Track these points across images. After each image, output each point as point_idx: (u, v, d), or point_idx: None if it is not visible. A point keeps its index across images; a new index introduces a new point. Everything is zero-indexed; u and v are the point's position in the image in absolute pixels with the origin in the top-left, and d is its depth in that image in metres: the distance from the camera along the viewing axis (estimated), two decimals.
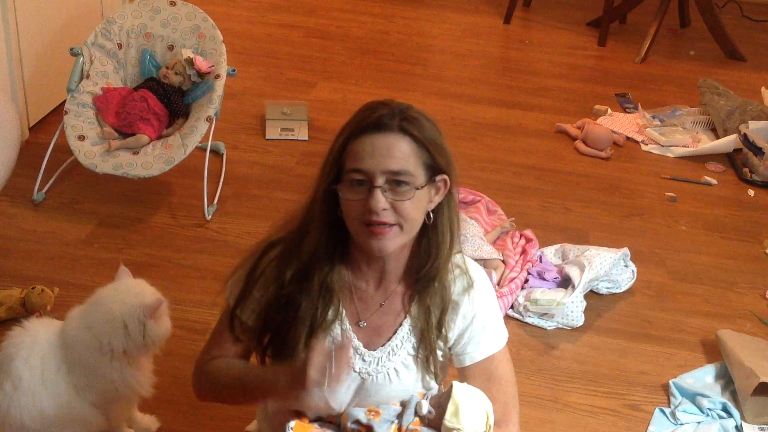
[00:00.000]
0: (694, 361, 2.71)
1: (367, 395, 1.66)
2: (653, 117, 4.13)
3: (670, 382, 2.58)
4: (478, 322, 1.69)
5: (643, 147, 3.97)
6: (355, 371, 1.65)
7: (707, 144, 3.97)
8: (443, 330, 1.66)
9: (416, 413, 1.64)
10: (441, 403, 1.63)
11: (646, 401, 2.54)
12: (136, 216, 3.17)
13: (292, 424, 1.59)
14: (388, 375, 1.66)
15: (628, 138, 4.02)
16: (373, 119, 1.54)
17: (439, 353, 1.69)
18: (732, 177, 3.80)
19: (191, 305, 2.71)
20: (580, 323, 2.78)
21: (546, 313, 2.79)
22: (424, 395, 1.68)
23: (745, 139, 3.83)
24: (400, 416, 1.64)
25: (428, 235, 1.62)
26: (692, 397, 2.52)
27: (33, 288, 2.61)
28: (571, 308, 2.76)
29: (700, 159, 3.90)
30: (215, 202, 3.26)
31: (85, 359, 1.96)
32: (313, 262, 1.60)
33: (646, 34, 4.92)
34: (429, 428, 1.63)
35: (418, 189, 1.54)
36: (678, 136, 3.97)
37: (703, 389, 2.55)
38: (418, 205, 1.56)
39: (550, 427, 2.43)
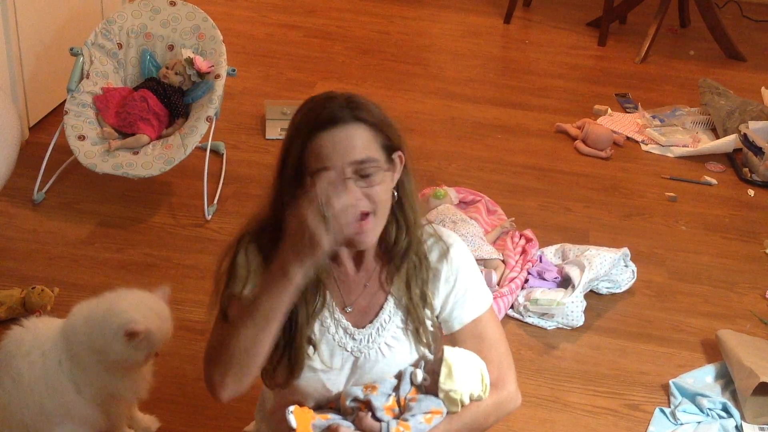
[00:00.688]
0: (694, 361, 2.71)
1: (362, 373, 1.67)
2: (653, 117, 4.13)
3: (670, 382, 2.58)
4: (461, 284, 1.71)
5: (643, 147, 3.97)
6: (347, 351, 1.66)
7: (707, 144, 3.97)
8: (428, 300, 1.68)
9: (412, 383, 1.66)
10: (434, 368, 1.65)
11: (646, 401, 2.54)
12: (136, 216, 3.17)
13: (292, 408, 1.60)
14: (380, 350, 1.67)
15: (628, 138, 4.02)
16: (326, 115, 1.55)
17: (428, 323, 1.70)
18: (732, 177, 3.80)
19: (191, 305, 2.71)
20: (580, 323, 2.78)
21: (546, 313, 2.79)
22: (417, 365, 1.69)
23: (745, 139, 3.83)
24: (396, 388, 1.65)
25: (395, 212, 1.64)
26: (692, 397, 2.52)
27: (33, 288, 2.61)
28: (571, 308, 2.76)
29: (700, 159, 3.90)
30: (215, 202, 3.26)
31: (82, 356, 1.96)
32: None
33: (646, 34, 4.92)
34: (426, 395, 1.64)
35: (384, 171, 1.57)
36: (678, 136, 3.97)
37: (703, 389, 2.55)
38: (386, 188, 1.58)
39: (550, 427, 2.43)
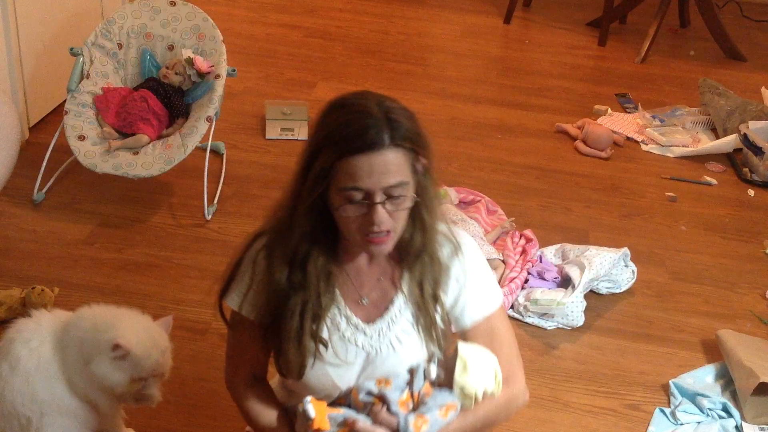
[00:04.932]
0: (694, 361, 2.71)
1: (373, 368, 1.67)
2: (653, 117, 4.13)
3: (670, 382, 2.58)
4: (472, 282, 1.71)
5: (643, 147, 3.97)
6: (357, 347, 1.66)
7: (707, 144, 3.97)
8: (438, 297, 1.69)
9: (425, 378, 1.66)
10: (448, 364, 1.65)
11: (646, 401, 2.54)
12: (136, 216, 3.17)
13: (309, 398, 1.60)
14: (392, 345, 1.67)
15: (628, 138, 4.02)
16: (366, 139, 1.51)
17: (439, 320, 1.70)
18: (732, 177, 3.80)
19: (191, 305, 2.71)
20: (580, 323, 2.78)
21: (546, 313, 2.79)
22: (430, 361, 1.69)
23: (745, 139, 3.83)
24: (410, 383, 1.65)
25: (414, 213, 1.63)
26: (692, 397, 2.52)
27: (33, 288, 2.61)
28: (571, 308, 2.76)
29: (700, 159, 3.90)
30: (215, 202, 3.26)
31: (75, 358, 1.96)
32: (306, 252, 1.62)
33: (646, 34, 4.92)
34: (440, 389, 1.65)
35: (413, 195, 1.57)
36: (678, 136, 3.97)
37: (703, 389, 2.55)
38: (410, 205, 1.59)
39: (550, 427, 2.43)
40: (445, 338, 1.72)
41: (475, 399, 1.64)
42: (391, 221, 1.56)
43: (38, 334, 1.97)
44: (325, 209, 1.60)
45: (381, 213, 1.53)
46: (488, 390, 1.64)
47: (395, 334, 1.68)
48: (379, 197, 1.53)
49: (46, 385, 1.95)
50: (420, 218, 1.64)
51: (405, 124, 1.55)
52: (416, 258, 1.66)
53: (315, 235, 1.62)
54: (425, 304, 1.67)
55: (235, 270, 1.69)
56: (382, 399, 1.62)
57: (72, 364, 1.96)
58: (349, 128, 1.53)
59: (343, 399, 1.66)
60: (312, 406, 1.58)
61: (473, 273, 1.72)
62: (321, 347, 1.64)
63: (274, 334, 1.65)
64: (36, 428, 1.95)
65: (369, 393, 1.63)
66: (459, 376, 1.62)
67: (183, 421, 2.32)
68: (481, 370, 1.64)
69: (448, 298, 1.71)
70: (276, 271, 1.62)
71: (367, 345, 1.67)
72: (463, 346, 1.65)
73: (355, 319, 1.67)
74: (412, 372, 1.66)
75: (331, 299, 1.65)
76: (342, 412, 1.61)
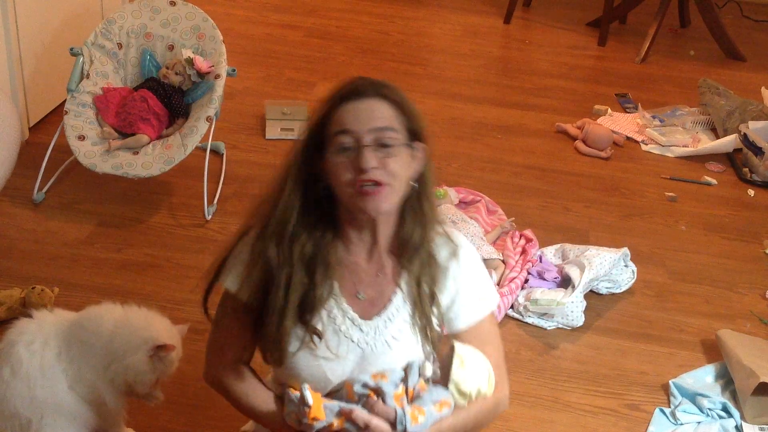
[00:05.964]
0: (694, 361, 2.71)
1: (368, 365, 1.67)
2: (653, 117, 4.13)
3: (670, 382, 2.58)
4: (469, 284, 1.72)
5: (643, 147, 3.97)
6: (353, 342, 1.66)
7: (707, 144, 3.97)
8: (435, 298, 1.69)
9: (420, 375, 1.66)
10: (444, 362, 1.66)
11: (646, 401, 2.54)
12: (136, 216, 3.17)
13: (307, 385, 1.60)
14: (387, 343, 1.67)
15: (628, 138, 4.02)
16: (351, 88, 1.61)
17: (434, 320, 1.71)
18: (732, 177, 3.80)
19: (191, 305, 2.71)
20: (580, 323, 2.78)
21: (546, 313, 2.79)
22: (426, 359, 1.69)
23: (745, 139, 3.83)
24: (404, 380, 1.65)
25: (413, 206, 1.66)
26: (692, 397, 2.52)
27: (33, 288, 2.61)
28: (571, 308, 2.76)
29: (700, 159, 3.90)
30: (215, 202, 3.26)
31: (89, 355, 1.96)
32: (292, 230, 1.63)
33: (646, 34, 4.92)
34: (435, 386, 1.65)
35: (403, 145, 1.60)
36: (678, 136, 3.97)
37: (703, 389, 2.55)
38: (403, 164, 1.60)
39: (550, 427, 2.43)
40: (439, 338, 1.73)
41: (469, 397, 1.65)
42: (383, 173, 1.57)
43: (41, 335, 1.97)
44: (322, 200, 1.62)
45: (368, 155, 1.56)
46: (482, 390, 1.65)
47: (391, 332, 1.68)
48: (366, 139, 1.57)
49: (46, 387, 1.95)
50: (420, 211, 1.66)
51: (396, 89, 1.64)
52: (415, 252, 1.67)
53: (304, 211, 1.63)
54: (422, 303, 1.68)
55: (228, 255, 1.70)
56: (378, 392, 1.61)
57: (84, 362, 1.96)
58: (338, 87, 1.63)
59: (334, 393, 1.66)
60: (310, 393, 1.58)
61: (470, 276, 1.73)
62: (315, 338, 1.64)
63: (260, 315, 1.66)
64: (36, 430, 1.95)
65: (365, 385, 1.63)
66: (456, 372, 1.63)
67: (183, 421, 2.32)
68: (477, 370, 1.65)
69: (444, 298, 1.71)
70: (267, 248, 1.63)
71: (362, 341, 1.67)
72: (459, 346, 1.66)
73: (351, 314, 1.67)
74: (406, 369, 1.67)
75: (329, 291, 1.65)
76: (337, 403, 1.61)
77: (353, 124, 1.58)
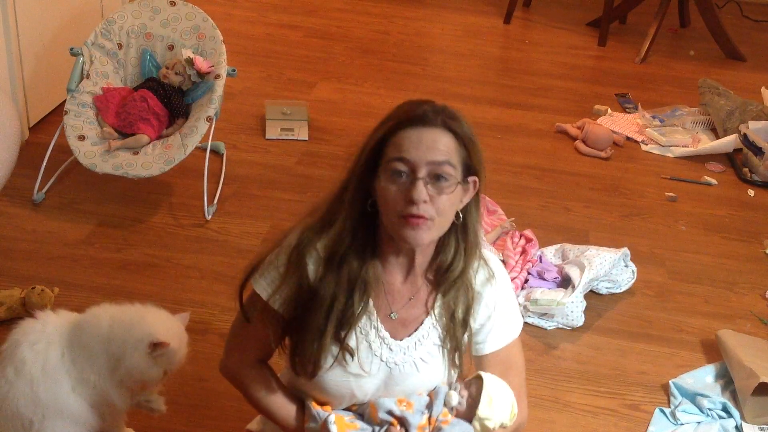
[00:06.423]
0: (694, 361, 2.71)
1: (394, 384, 1.67)
2: (653, 117, 4.13)
3: (670, 382, 2.58)
4: (500, 311, 1.72)
5: (643, 147, 3.97)
6: (382, 361, 1.66)
7: (707, 144, 3.97)
8: (468, 324, 1.68)
9: (444, 404, 1.66)
10: (471, 394, 1.66)
11: (646, 401, 2.54)
12: (136, 216, 3.17)
13: (333, 417, 1.61)
14: (415, 364, 1.67)
15: (628, 138, 4.02)
16: (419, 113, 1.56)
17: (463, 345, 1.70)
18: (732, 177, 3.80)
19: (191, 305, 2.71)
20: (580, 323, 2.78)
21: (546, 313, 2.79)
22: (451, 386, 1.69)
23: (745, 139, 3.83)
24: (429, 406, 1.65)
25: (457, 236, 1.64)
26: (692, 397, 2.52)
27: (33, 288, 2.61)
28: (571, 308, 2.76)
29: (700, 159, 3.90)
30: (215, 202, 3.27)
31: (92, 356, 1.96)
32: (344, 252, 1.61)
33: (646, 34, 4.92)
34: (458, 420, 1.65)
35: (457, 184, 1.56)
36: (678, 136, 3.97)
37: (703, 389, 2.55)
38: (453, 201, 1.57)
39: (550, 427, 2.43)
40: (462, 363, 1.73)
41: None
42: (431, 207, 1.54)
43: (44, 336, 1.97)
44: (366, 216, 1.60)
45: (421, 188, 1.52)
46: (504, 423, 1.67)
47: (420, 354, 1.67)
48: (422, 172, 1.53)
49: (49, 388, 1.95)
50: (465, 241, 1.64)
51: (461, 119, 1.59)
52: (452, 284, 1.65)
53: (355, 234, 1.60)
54: (454, 329, 1.67)
55: (266, 258, 1.67)
56: (402, 422, 1.62)
57: (87, 365, 1.96)
58: (403, 109, 1.58)
59: (356, 406, 1.66)
60: (336, 427, 1.59)
61: (502, 302, 1.72)
62: (347, 355, 1.62)
63: (295, 329, 1.64)
64: (37, 430, 1.95)
65: (389, 412, 1.63)
66: (482, 410, 1.63)
67: (183, 421, 2.32)
68: (503, 405, 1.66)
69: (476, 323, 1.71)
70: (309, 266, 1.61)
71: (391, 361, 1.66)
72: (488, 379, 1.66)
73: (383, 332, 1.66)
74: (430, 396, 1.67)
75: (365, 308, 1.63)
76: (359, 428, 1.62)
77: (412, 153, 1.53)
